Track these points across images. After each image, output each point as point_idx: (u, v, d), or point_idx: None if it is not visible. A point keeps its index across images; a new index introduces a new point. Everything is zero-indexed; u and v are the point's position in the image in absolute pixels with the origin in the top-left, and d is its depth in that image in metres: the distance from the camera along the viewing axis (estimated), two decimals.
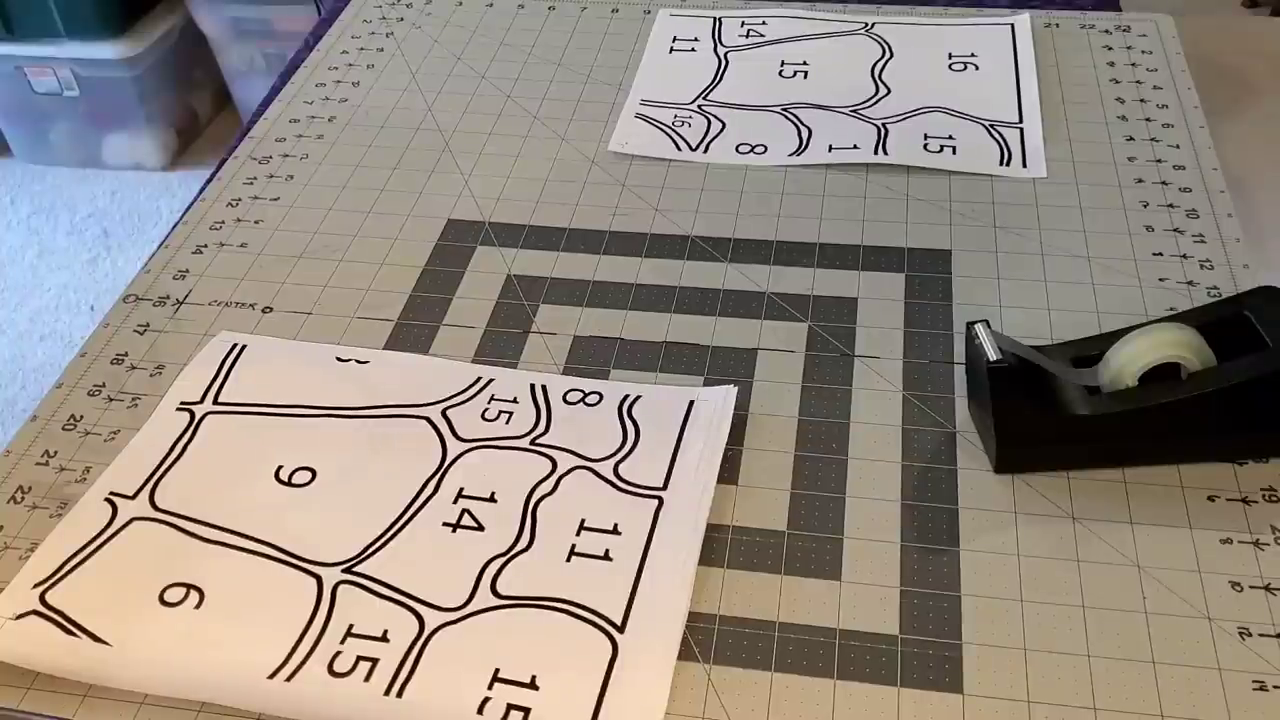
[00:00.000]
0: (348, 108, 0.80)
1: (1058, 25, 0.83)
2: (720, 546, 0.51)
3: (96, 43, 1.81)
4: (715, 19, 0.86)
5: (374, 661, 0.46)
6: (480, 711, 0.44)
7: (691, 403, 0.56)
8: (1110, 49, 0.80)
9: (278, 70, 0.85)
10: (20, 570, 0.50)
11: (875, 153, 0.72)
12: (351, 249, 0.68)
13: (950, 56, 0.80)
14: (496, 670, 0.46)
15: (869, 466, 0.54)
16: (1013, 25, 0.83)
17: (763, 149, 0.73)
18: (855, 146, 0.73)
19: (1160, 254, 0.64)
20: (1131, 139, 0.72)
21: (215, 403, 0.58)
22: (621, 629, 0.47)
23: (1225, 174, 0.69)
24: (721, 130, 0.75)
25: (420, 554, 0.50)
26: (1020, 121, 0.74)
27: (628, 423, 0.56)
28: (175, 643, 0.47)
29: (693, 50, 0.83)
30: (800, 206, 0.69)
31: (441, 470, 0.54)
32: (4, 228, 1.89)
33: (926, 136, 0.73)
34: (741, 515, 0.52)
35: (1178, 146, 0.71)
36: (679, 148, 0.74)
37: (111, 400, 0.59)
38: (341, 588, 0.49)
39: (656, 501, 0.52)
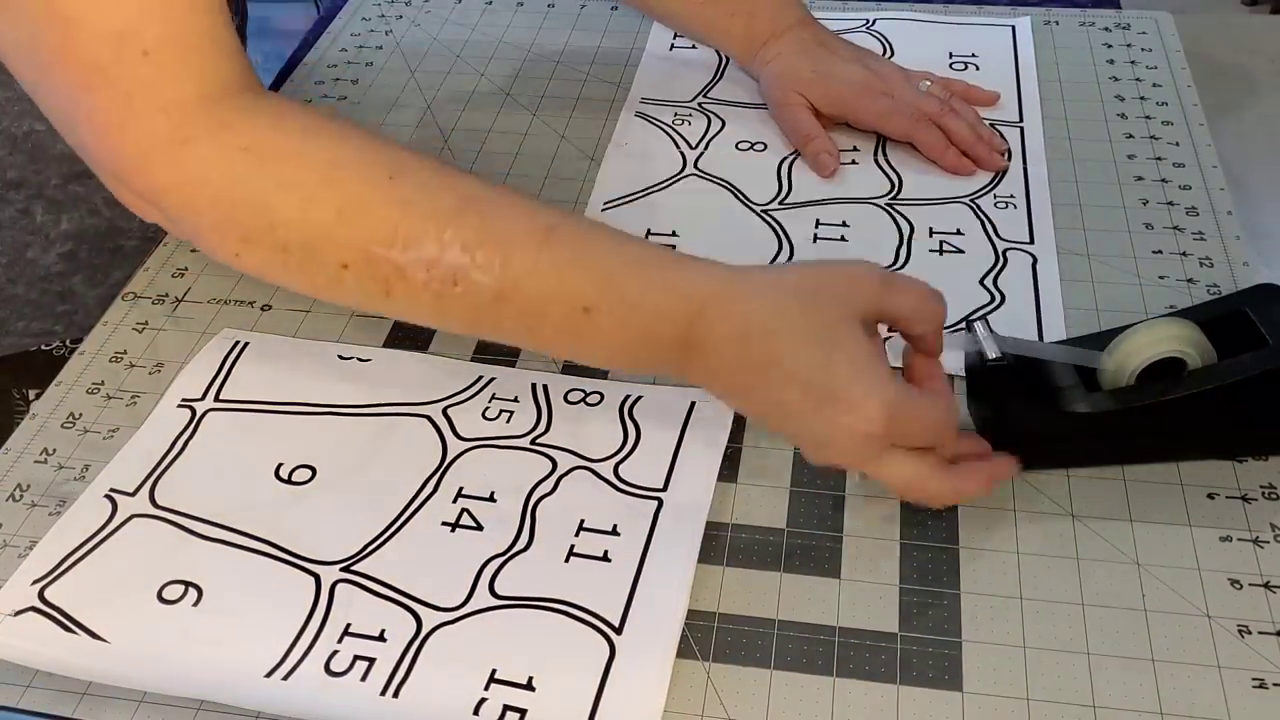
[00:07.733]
0: (347, 105, 0.79)
1: (1057, 23, 0.83)
2: (720, 544, 0.51)
3: None
4: None
5: (371, 661, 0.46)
6: (476, 712, 0.44)
7: (693, 403, 0.56)
8: (1110, 46, 0.80)
9: (276, 68, 0.85)
10: (19, 567, 0.50)
11: (875, 151, 0.72)
12: None
13: (951, 56, 0.80)
14: (493, 671, 0.46)
15: None
16: (1013, 28, 0.82)
17: (762, 147, 0.73)
18: (855, 147, 0.72)
19: (1160, 251, 0.64)
20: (1131, 137, 0.72)
21: (216, 400, 0.58)
22: (619, 630, 0.47)
23: (1225, 172, 0.69)
24: (721, 128, 0.75)
25: (419, 553, 0.50)
26: (1020, 120, 0.74)
27: (629, 423, 0.56)
28: (173, 640, 0.47)
29: (693, 48, 0.83)
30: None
31: (441, 469, 0.54)
32: None
33: None
34: (741, 513, 0.52)
35: (1177, 144, 0.71)
36: (679, 146, 0.74)
37: (110, 398, 0.59)
38: (340, 586, 0.49)
39: (656, 503, 0.52)
